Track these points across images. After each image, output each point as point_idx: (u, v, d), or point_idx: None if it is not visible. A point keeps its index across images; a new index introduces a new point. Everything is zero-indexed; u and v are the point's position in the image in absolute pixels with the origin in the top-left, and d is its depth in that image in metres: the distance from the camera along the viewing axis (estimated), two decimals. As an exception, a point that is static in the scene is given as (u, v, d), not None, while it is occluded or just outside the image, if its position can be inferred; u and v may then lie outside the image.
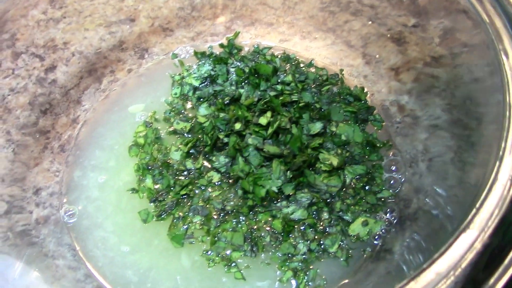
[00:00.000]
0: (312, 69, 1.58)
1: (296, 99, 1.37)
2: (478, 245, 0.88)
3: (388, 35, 1.51)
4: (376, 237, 1.25)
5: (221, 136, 1.32)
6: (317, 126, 1.33)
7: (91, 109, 1.54)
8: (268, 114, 1.30)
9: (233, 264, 1.19)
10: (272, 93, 1.37)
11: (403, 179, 1.35)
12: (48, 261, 1.22)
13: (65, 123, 1.49)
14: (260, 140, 1.27)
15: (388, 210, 1.29)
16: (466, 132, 1.22)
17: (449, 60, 1.32)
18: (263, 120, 1.28)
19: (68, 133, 1.48)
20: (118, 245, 1.25)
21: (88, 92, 1.56)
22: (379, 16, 1.52)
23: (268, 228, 1.24)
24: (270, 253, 1.22)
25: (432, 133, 1.36)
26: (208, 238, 1.23)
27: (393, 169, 1.37)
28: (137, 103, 1.51)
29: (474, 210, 0.92)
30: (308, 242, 1.22)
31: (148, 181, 1.30)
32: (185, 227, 1.25)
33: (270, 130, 1.28)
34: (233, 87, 1.46)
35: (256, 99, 1.37)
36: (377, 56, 1.55)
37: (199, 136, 1.36)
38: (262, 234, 1.23)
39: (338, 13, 1.61)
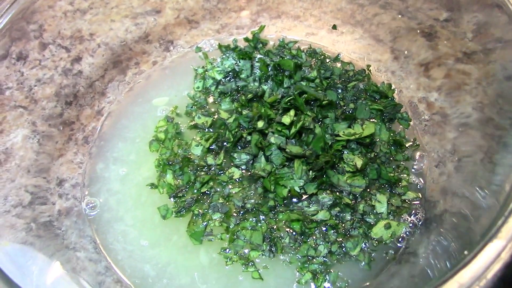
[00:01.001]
0: (338, 64, 1.52)
1: (321, 97, 1.31)
2: (505, 256, 0.83)
3: (419, 30, 1.44)
4: (400, 240, 1.20)
5: (244, 134, 1.28)
6: (342, 126, 1.28)
7: (115, 101, 1.52)
8: (292, 113, 1.25)
9: (251, 264, 1.16)
10: (296, 91, 1.31)
11: (430, 180, 1.30)
12: (70, 253, 1.21)
13: (90, 115, 1.47)
14: (283, 140, 1.23)
15: (413, 212, 1.24)
16: (498, 132, 1.15)
17: (482, 56, 1.25)
18: (286, 119, 1.24)
19: (92, 124, 1.46)
20: (138, 239, 1.23)
21: (112, 84, 1.54)
22: (409, 10, 1.46)
23: (288, 229, 1.20)
24: (290, 254, 1.17)
25: (461, 132, 1.30)
26: (227, 235, 1.19)
27: (419, 169, 1.32)
28: (161, 96, 1.49)
29: (502, 219, 0.87)
30: (330, 244, 1.17)
31: (169, 177, 1.28)
32: (204, 224, 1.21)
33: (293, 130, 1.23)
34: (257, 83, 1.41)
35: (279, 96, 1.33)
36: (406, 51, 1.49)
37: (221, 131, 1.32)
38: (282, 235, 1.19)
39: (367, 6, 1.55)
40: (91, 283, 1.16)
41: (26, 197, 1.26)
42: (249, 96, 1.37)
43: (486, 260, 0.82)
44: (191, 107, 1.42)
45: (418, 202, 1.26)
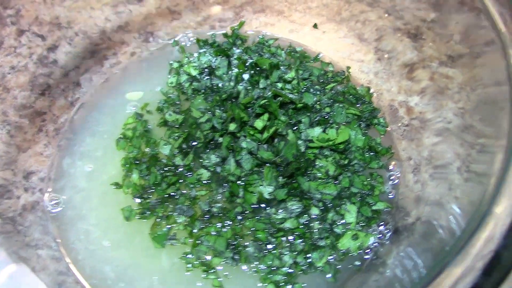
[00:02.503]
0: (318, 64, 1.45)
1: (296, 100, 1.24)
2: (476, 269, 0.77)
3: (405, 30, 1.38)
4: (368, 251, 1.15)
5: (216, 135, 1.22)
6: (316, 132, 1.21)
7: (89, 92, 1.44)
8: (265, 117, 1.18)
9: (212, 271, 1.10)
10: (270, 94, 1.24)
11: (404, 188, 1.25)
12: (31, 251, 1.16)
13: (63, 106, 1.40)
14: (254, 145, 1.17)
15: (383, 222, 1.19)
16: (479, 140, 1.09)
17: (469, 60, 1.18)
18: (259, 124, 1.17)
19: (64, 116, 1.39)
20: (100, 239, 1.17)
21: (88, 74, 1.47)
22: (396, 9, 1.39)
23: (253, 238, 1.14)
24: (253, 264, 1.11)
25: (440, 139, 1.24)
26: (190, 240, 1.13)
27: (394, 177, 1.26)
28: (136, 90, 1.41)
29: (472, 233, 0.81)
30: (295, 254, 1.11)
31: (135, 176, 1.21)
32: (168, 227, 1.16)
33: (265, 135, 1.16)
34: (232, 83, 1.33)
35: (255, 97, 1.26)
36: (390, 52, 1.42)
37: (192, 131, 1.25)
38: (247, 243, 1.12)
39: (354, 3, 1.47)
40: (50, 284, 1.12)
41: (-7, 190, 1.22)
42: (224, 96, 1.29)
43: (456, 273, 0.77)
44: (163, 104, 1.34)
45: (388, 212, 1.20)
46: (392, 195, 1.23)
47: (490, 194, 0.86)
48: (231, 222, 1.15)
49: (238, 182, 1.17)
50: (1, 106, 1.30)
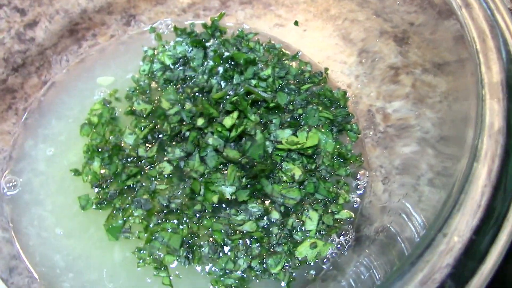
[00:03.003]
0: (296, 63, 1.40)
1: (269, 100, 1.20)
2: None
3: (391, 33, 1.33)
4: (325, 260, 1.12)
5: (183, 129, 1.18)
6: (286, 133, 1.17)
7: (63, 72, 1.40)
8: (235, 115, 1.14)
9: (164, 268, 1.06)
10: (243, 91, 1.19)
11: (370, 197, 1.22)
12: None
13: (35, 84, 1.36)
14: (221, 142, 1.13)
15: (343, 232, 1.16)
16: (455, 152, 1.06)
17: (455, 69, 1.14)
18: (227, 122, 1.12)
19: (35, 95, 1.36)
20: (54, 226, 1.13)
21: (64, 54, 1.43)
22: (386, 11, 1.34)
23: (209, 239, 1.10)
24: (207, 266, 1.08)
25: (415, 148, 1.20)
26: (145, 235, 1.10)
27: (360, 186, 1.23)
28: (108, 75, 1.36)
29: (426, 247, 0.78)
30: (250, 258, 1.08)
31: (96, 164, 1.17)
32: (124, 219, 1.12)
33: (233, 133, 1.13)
34: (206, 76, 1.28)
35: (229, 92, 1.22)
36: (374, 55, 1.37)
37: (159, 122, 1.21)
38: (202, 243, 1.09)
39: (344, 1, 1.43)
40: (2, 267, 1.09)
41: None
42: (195, 89, 1.25)
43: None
44: (133, 91, 1.30)
45: (350, 222, 1.17)
46: (356, 204, 1.20)
47: (450, 207, 0.83)
48: (188, 220, 1.12)
49: (200, 179, 1.13)
50: (-29, 81, 1.27)
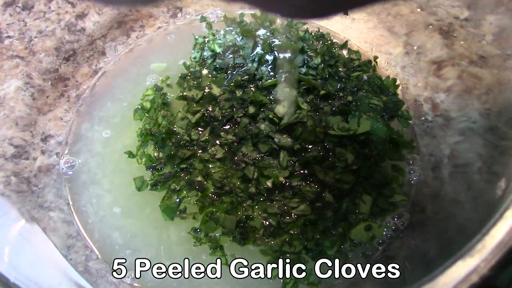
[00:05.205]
0: (345, 51, 1.40)
1: (319, 87, 1.20)
2: (474, 278, 0.73)
3: (436, 26, 1.32)
4: (380, 242, 1.11)
5: (234, 115, 1.18)
6: (337, 120, 1.17)
7: (113, 61, 1.42)
8: (286, 103, 1.14)
9: (219, 248, 1.07)
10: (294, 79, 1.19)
11: (422, 183, 1.20)
12: (43, 212, 1.14)
13: (86, 73, 1.38)
14: (273, 128, 1.13)
15: (397, 215, 1.14)
16: (503, 142, 1.05)
17: (499, 62, 1.13)
18: (279, 110, 1.14)
19: (87, 83, 1.37)
20: (111, 205, 1.15)
21: (114, 44, 1.45)
22: (430, 4, 1.33)
23: (264, 221, 1.09)
24: (261, 246, 1.08)
25: (463, 138, 1.19)
26: (200, 216, 1.10)
27: (413, 171, 1.22)
28: (160, 62, 1.38)
29: (479, 236, 0.77)
30: (306, 240, 1.07)
31: (149, 148, 1.18)
32: (178, 200, 1.13)
33: (285, 120, 1.13)
34: (256, 64, 1.29)
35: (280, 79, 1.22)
36: (419, 47, 1.37)
37: (210, 107, 1.22)
38: (256, 226, 1.08)
39: (387, -5, 1.43)
40: (60, 245, 1.10)
41: (10, 149, 1.20)
42: (245, 77, 1.25)
43: (461, 272, 0.73)
44: (184, 78, 1.31)
45: (404, 205, 1.16)
46: (410, 189, 1.18)
47: (506, 197, 0.82)
48: (243, 202, 1.11)
49: (253, 165, 1.13)
50: (25, 68, 1.28)
